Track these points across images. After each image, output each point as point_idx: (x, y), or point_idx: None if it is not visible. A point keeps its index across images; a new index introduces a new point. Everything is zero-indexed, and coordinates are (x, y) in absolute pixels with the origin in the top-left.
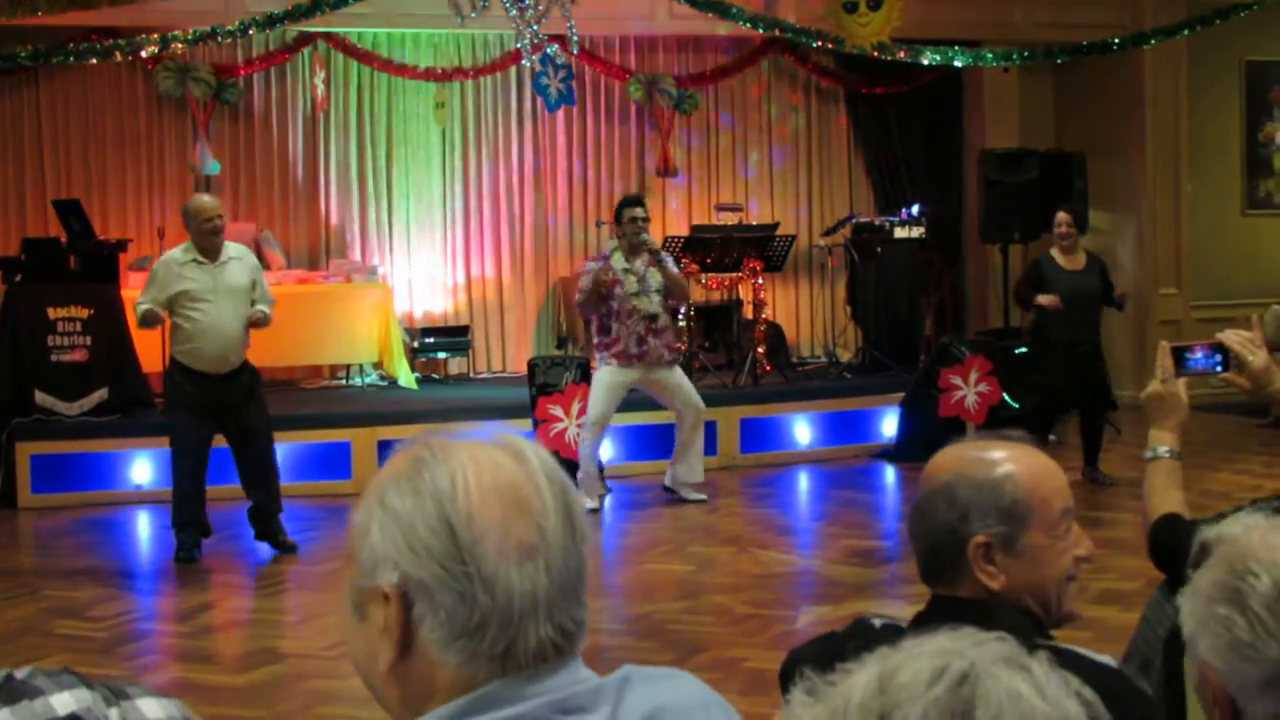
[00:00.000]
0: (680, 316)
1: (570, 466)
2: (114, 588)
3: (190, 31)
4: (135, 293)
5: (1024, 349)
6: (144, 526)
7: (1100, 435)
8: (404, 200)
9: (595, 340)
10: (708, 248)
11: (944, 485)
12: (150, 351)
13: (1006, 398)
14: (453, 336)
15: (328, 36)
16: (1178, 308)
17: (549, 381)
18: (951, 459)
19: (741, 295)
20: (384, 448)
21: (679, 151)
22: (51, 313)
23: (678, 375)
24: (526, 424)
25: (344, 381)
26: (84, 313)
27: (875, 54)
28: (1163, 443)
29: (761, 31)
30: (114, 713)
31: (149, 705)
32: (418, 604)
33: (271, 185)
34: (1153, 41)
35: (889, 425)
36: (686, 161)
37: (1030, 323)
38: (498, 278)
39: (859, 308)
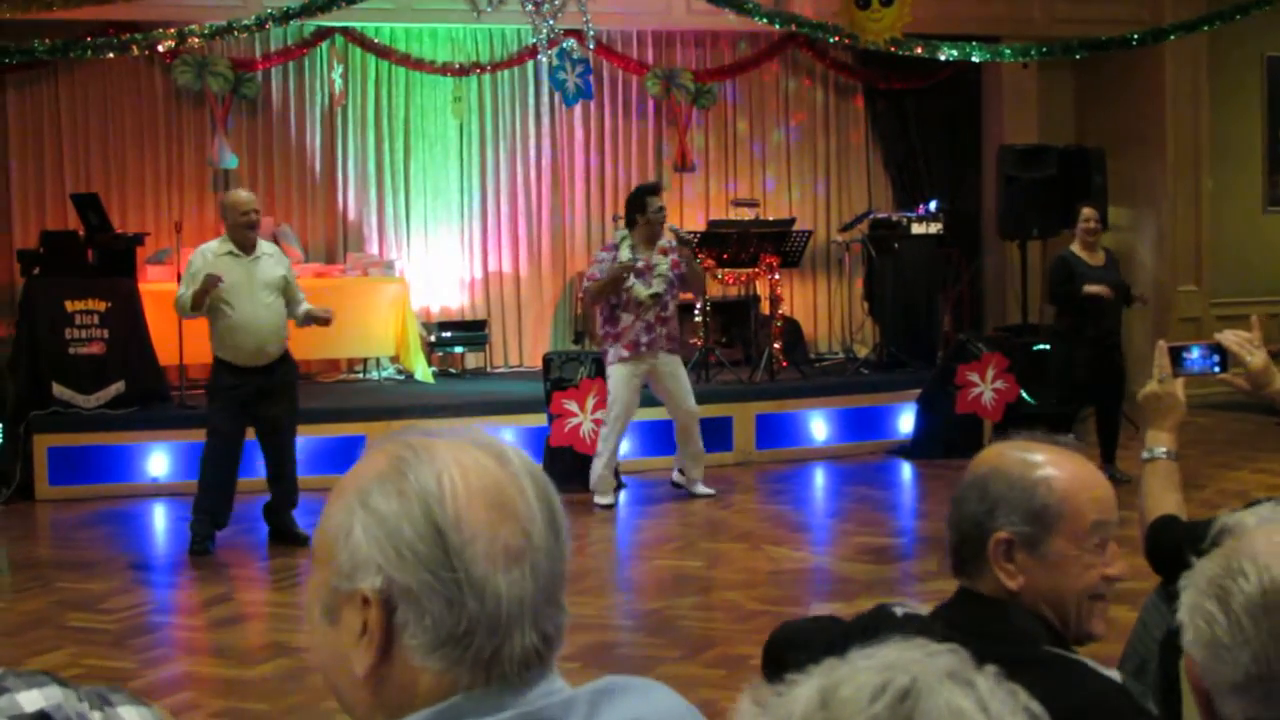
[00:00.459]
0: (696, 311)
1: (586, 462)
2: (128, 580)
3: (206, 26)
4: (153, 286)
5: (1045, 345)
6: (160, 519)
7: (1117, 431)
8: (421, 195)
9: (603, 331)
10: (724, 243)
11: (979, 478)
12: (167, 345)
13: (1024, 394)
14: (469, 331)
15: (345, 31)
16: (1197, 305)
17: (564, 376)
18: (994, 454)
19: (759, 291)
20: None
21: (696, 146)
22: (69, 306)
23: (675, 367)
24: (541, 419)
25: (361, 375)
26: (102, 306)
27: (893, 49)
28: (1160, 444)
29: (777, 27)
30: (96, 716)
31: (129, 713)
32: (401, 609)
33: (289, 179)
34: (1172, 37)
35: (906, 422)
36: (704, 156)
37: (1059, 318)
38: (515, 272)
39: (876, 304)
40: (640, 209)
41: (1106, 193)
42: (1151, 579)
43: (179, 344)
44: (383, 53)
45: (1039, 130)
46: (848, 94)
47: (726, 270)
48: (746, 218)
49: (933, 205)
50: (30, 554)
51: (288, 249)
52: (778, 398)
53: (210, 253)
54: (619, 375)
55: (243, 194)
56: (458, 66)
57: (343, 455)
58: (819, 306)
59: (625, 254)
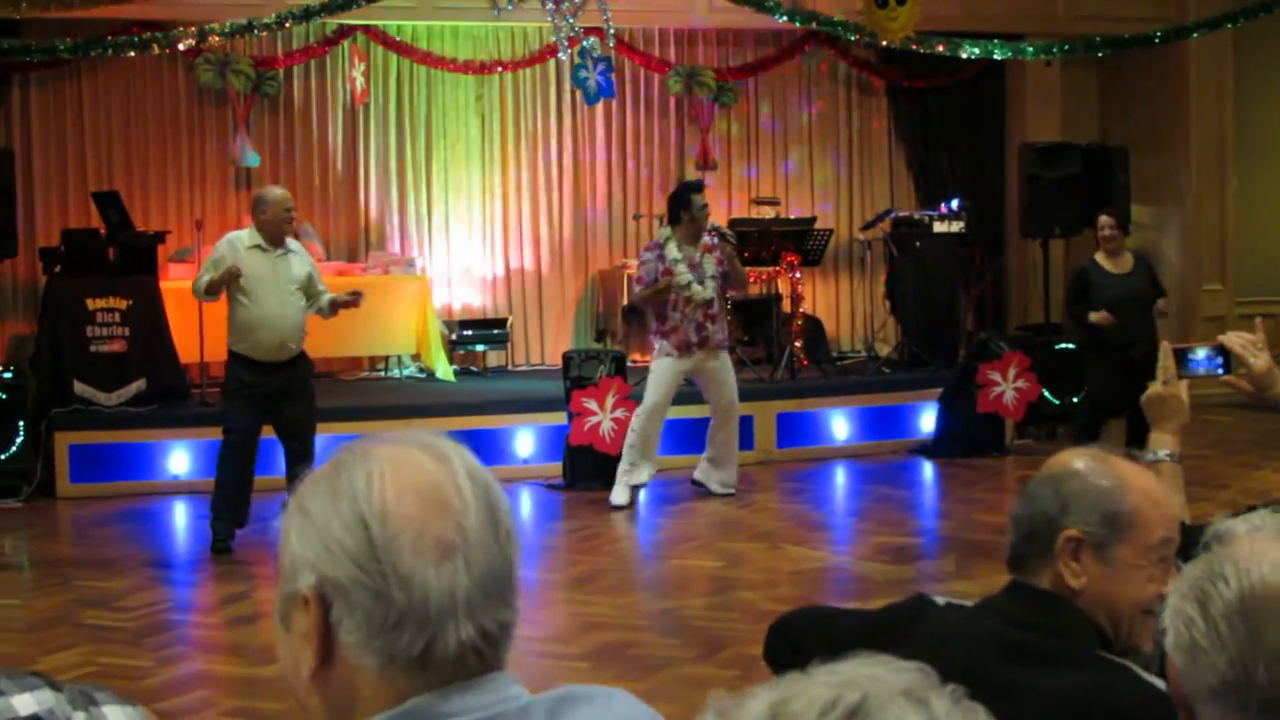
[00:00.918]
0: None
1: (605, 460)
2: (147, 578)
3: (227, 24)
4: (174, 284)
5: (1069, 345)
6: (180, 517)
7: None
8: (443, 193)
9: (654, 328)
10: (745, 241)
11: (1056, 476)
12: (188, 342)
13: (1046, 394)
14: (491, 329)
15: (367, 29)
16: (1222, 304)
17: (584, 375)
18: (1073, 455)
19: (780, 289)
20: None
21: (718, 144)
22: (90, 304)
23: (727, 365)
24: (561, 417)
25: (382, 373)
26: (123, 304)
27: (915, 47)
28: (1163, 446)
29: (798, 25)
30: (80, 716)
31: (114, 713)
32: (335, 605)
33: (311, 178)
34: (1195, 35)
35: (927, 421)
36: (725, 155)
37: (1083, 332)
38: (536, 270)
39: (898, 302)
40: (685, 206)
41: (1129, 191)
42: None
43: (200, 342)
44: (404, 51)
45: (1062, 128)
46: (870, 92)
47: (748, 269)
48: (767, 216)
49: (955, 204)
50: (50, 551)
51: (309, 247)
52: (798, 396)
53: (240, 243)
54: (662, 368)
55: (280, 190)
56: (479, 65)
57: None
58: (841, 305)
59: (672, 252)
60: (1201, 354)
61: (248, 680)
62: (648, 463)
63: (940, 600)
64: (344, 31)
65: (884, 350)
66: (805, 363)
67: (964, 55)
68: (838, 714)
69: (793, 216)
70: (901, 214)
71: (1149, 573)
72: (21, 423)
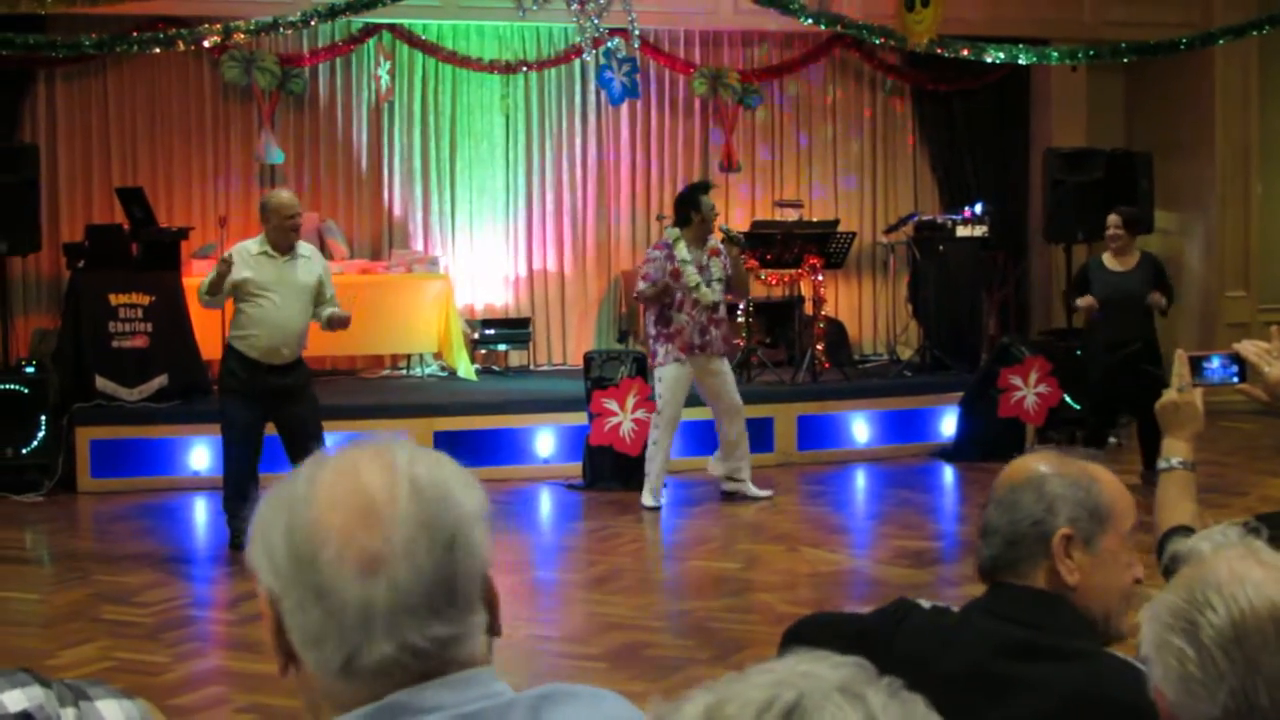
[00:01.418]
0: (740, 312)
1: (625, 461)
2: (165, 573)
3: (252, 22)
4: (197, 281)
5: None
6: (201, 512)
7: (1158, 438)
8: (466, 192)
9: (654, 331)
10: (768, 244)
11: (1033, 479)
12: (210, 339)
13: (1067, 399)
14: (513, 328)
15: (392, 28)
16: (1245, 310)
17: (604, 375)
18: (1039, 460)
19: (803, 292)
20: (440, 439)
21: (742, 146)
22: (113, 299)
23: (724, 371)
24: (582, 417)
25: (404, 372)
26: (145, 300)
27: (940, 51)
28: (1177, 454)
29: (823, 28)
30: (69, 713)
31: (109, 707)
32: (281, 610)
33: (335, 175)
34: (1221, 41)
35: (948, 424)
36: (750, 156)
37: (1085, 325)
38: (559, 270)
39: (920, 306)
40: (695, 207)
41: (1153, 197)
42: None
43: (222, 338)
44: (430, 49)
45: (1087, 133)
46: (895, 95)
47: (770, 271)
48: (790, 218)
49: (978, 208)
50: (69, 546)
51: (333, 245)
52: (819, 399)
53: (246, 252)
54: (671, 377)
55: (285, 195)
56: (504, 64)
57: None
58: (864, 308)
59: (681, 252)
60: (1216, 362)
61: (263, 676)
62: (663, 468)
63: (925, 604)
64: (369, 30)
65: (906, 353)
66: (827, 365)
67: (989, 60)
68: (774, 715)
69: (815, 219)
70: (925, 217)
71: (1126, 558)
72: (43, 417)
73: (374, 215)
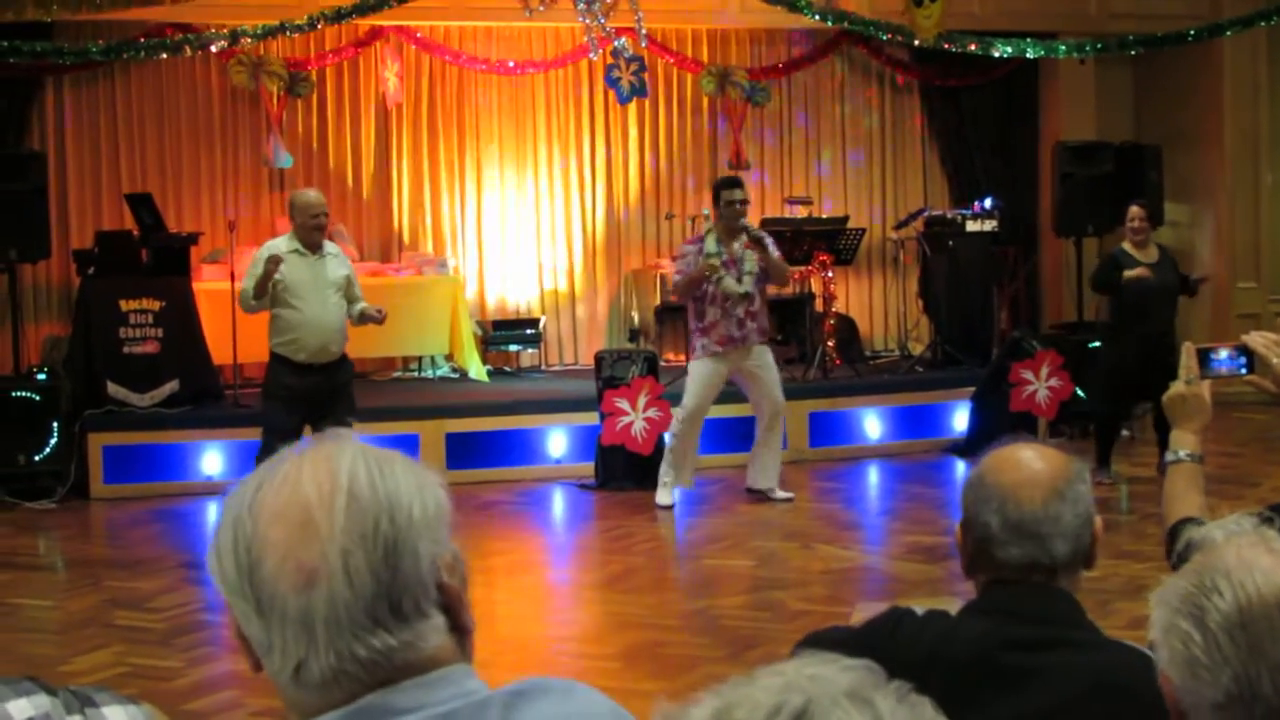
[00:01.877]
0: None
1: (637, 460)
2: (178, 579)
3: (259, 26)
4: (207, 286)
5: (1097, 344)
6: (213, 518)
7: None
8: (475, 193)
9: (693, 326)
10: (778, 241)
11: (1072, 470)
12: (221, 344)
13: (1079, 392)
14: (524, 329)
15: (399, 30)
16: (1256, 301)
17: (615, 375)
18: (1054, 456)
19: (813, 289)
20: (451, 440)
21: (751, 144)
22: (124, 305)
23: (768, 361)
24: (593, 417)
25: (416, 374)
26: (156, 305)
27: (947, 46)
28: (1184, 445)
29: (830, 25)
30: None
31: (115, 713)
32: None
33: (344, 178)
34: (1229, 33)
35: (960, 420)
36: (759, 154)
37: (1109, 313)
38: (569, 271)
39: (931, 301)
40: (716, 201)
41: (1162, 189)
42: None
43: (233, 343)
44: (437, 52)
45: (1096, 127)
46: (904, 91)
47: None
48: (800, 215)
49: (988, 202)
50: (82, 552)
51: (342, 248)
52: (831, 395)
53: (278, 250)
54: (701, 371)
55: (311, 194)
56: (512, 65)
57: None
58: (874, 304)
59: (709, 245)
60: (1224, 354)
61: None
62: (686, 467)
63: (919, 610)
64: (376, 33)
65: (917, 349)
66: (838, 362)
67: (997, 54)
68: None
69: (825, 216)
70: (935, 213)
71: None
72: (55, 424)
73: (383, 218)
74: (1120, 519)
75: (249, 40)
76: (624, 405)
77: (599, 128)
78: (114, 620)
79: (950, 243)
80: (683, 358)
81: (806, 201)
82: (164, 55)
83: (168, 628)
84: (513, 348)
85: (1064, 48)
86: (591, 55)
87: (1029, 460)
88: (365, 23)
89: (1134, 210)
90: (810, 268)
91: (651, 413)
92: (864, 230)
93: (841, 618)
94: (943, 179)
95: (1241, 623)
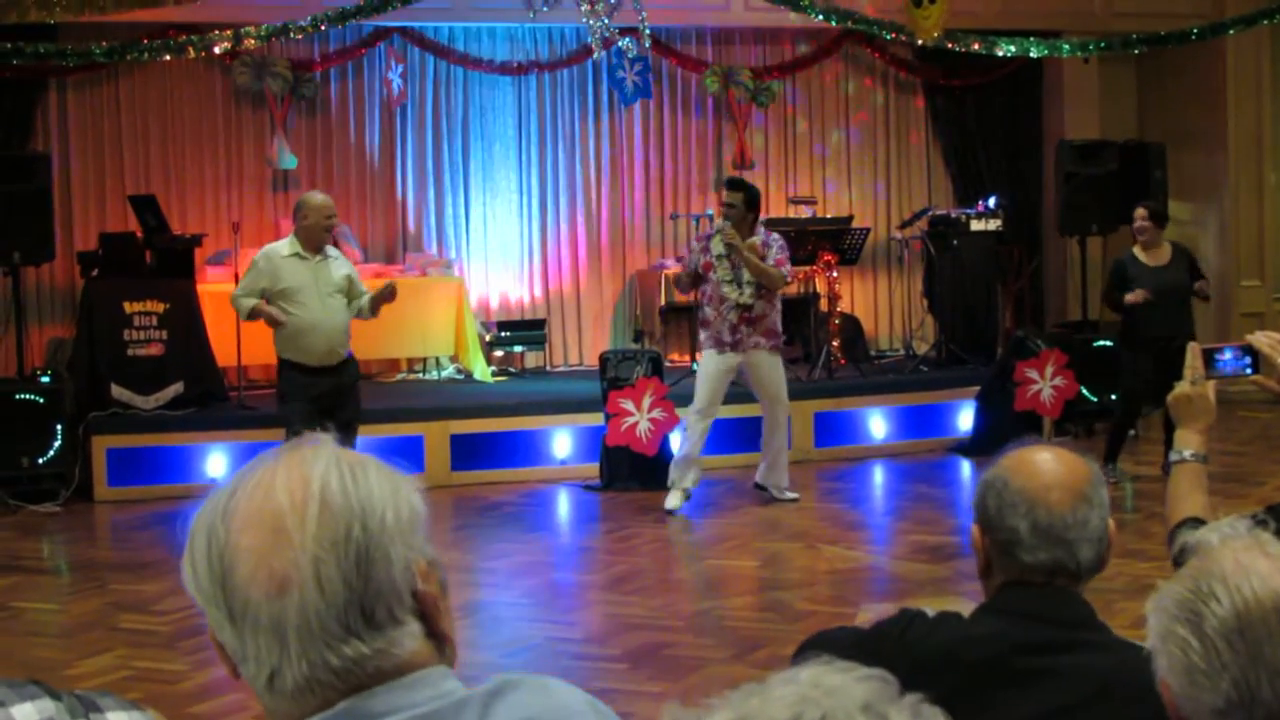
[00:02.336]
0: None
1: (642, 461)
2: (183, 582)
3: (262, 27)
4: (211, 287)
5: (1106, 342)
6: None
7: None
8: (480, 194)
9: (700, 317)
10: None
11: (1094, 473)
12: (226, 345)
13: (1084, 391)
14: (528, 330)
15: (404, 30)
16: (1260, 300)
17: (620, 375)
18: (1074, 460)
19: (818, 288)
20: (456, 441)
21: (755, 144)
22: (128, 307)
23: (771, 364)
24: (598, 418)
25: (420, 375)
26: (160, 307)
27: (950, 45)
28: (1188, 445)
29: (834, 24)
30: None
31: (119, 719)
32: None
33: (348, 179)
34: (1232, 31)
35: (965, 419)
36: (763, 153)
37: (1121, 323)
38: (574, 271)
39: (935, 301)
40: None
41: (1167, 188)
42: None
43: (237, 345)
44: (441, 52)
45: (1100, 125)
46: (907, 90)
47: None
48: (804, 215)
49: (992, 201)
50: (86, 555)
51: (347, 249)
52: (836, 395)
53: (277, 255)
54: (707, 365)
55: (321, 196)
56: (516, 65)
57: (401, 455)
58: (879, 304)
59: (717, 247)
60: (1229, 354)
61: None
62: (694, 467)
63: (930, 611)
64: (380, 33)
65: (922, 349)
66: (843, 361)
67: (1001, 53)
68: None
69: (830, 215)
70: (939, 212)
71: None
72: (59, 426)
73: (387, 219)
74: (1125, 518)
75: (253, 41)
76: (629, 406)
77: (603, 128)
78: (118, 623)
79: (954, 242)
80: (687, 358)
81: (811, 201)
82: (168, 56)
83: (172, 631)
84: (517, 348)
85: (1068, 47)
86: (596, 55)
87: (1052, 464)
88: (369, 23)
89: (1138, 211)
90: (815, 267)
91: (656, 414)
92: (868, 230)
93: (847, 618)
94: (947, 178)
95: (1239, 628)
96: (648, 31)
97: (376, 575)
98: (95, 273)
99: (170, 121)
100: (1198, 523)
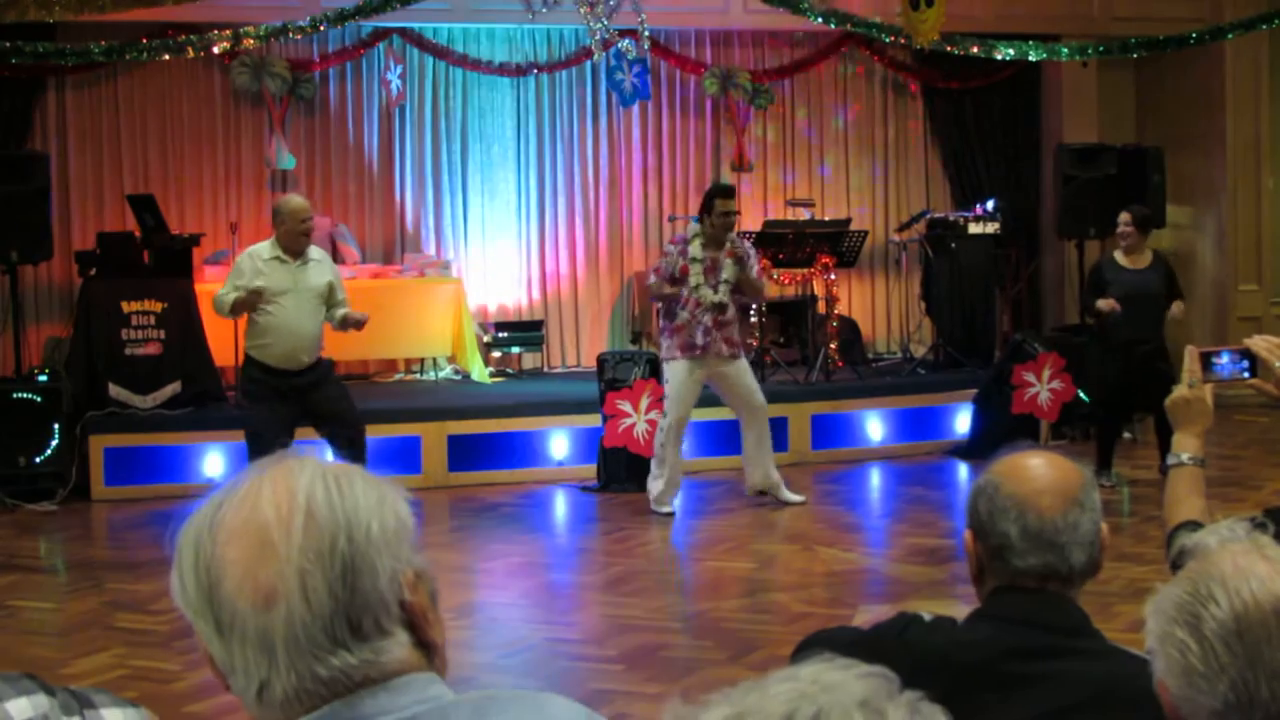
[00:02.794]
0: (753, 312)
1: (639, 462)
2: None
3: (261, 27)
4: (209, 287)
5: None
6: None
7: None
8: (478, 195)
9: (663, 324)
10: (780, 243)
11: (1086, 478)
12: (223, 345)
13: (1081, 394)
14: (526, 331)
15: (403, 31)
16: (1258, 304)
17: (617, 377)
18: (1065, 464)
19: (816, 291)
20: (454, 442)
21: (754, 146)
22: (125, 307)
23: (739, 370)
24: (595, 419)
25: (418, 375)
26: (158, 307)
27: (949, 49)
28: (1186, 449)
29: (833, 26)
30: None
31: (113, 715)
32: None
33: (346, 180)
34: (1230, 36)
35: (962, 422)
36: (761, 156)
37: (1095, 324)
38: (572, 272)
39: (933, 304)
40: (708, 209)
41: (1165, 192)
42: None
43: (235, 344)
44: (440, 53)
45: (1099, 129)
46: (906, 93)
47: (782, 270)
48: (803, 218)
49: (990, 205)
50: (83, 554)
51: (345, 249)
52: (833, 398)
53: (258, 257)
54: (677, 373)
55: (297, 200)
56: (515, 67)
57: (400, 456)
58: (876, 306)
59: (694, 251)
60: (1226, 357)
61: None
62: (673, 475)
63: (927, 615)
64: (379, 34)
65: (919, 351)
66: (840, 364)
67: (999, 56)
68: None
69: (828, 218)
70: (937, 215)
71: None
72: (56, 425)
73: (386, 219)
74: (1122, 522)
75: (252, 41)
76: (626, 407)
77: (601, 129)
78: (115, 623)
79: (952, 245)
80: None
81: (809, 204)
82: (166, 56)
83: (169, 630)
84: (515, 349)
85: (1066, 50)
86: (595, 57)
87: (1043, 468)
88: (368, 23)
89: (1122, 217)
90: (813, 270)
91: (653, 415)
92: (866, 232)
93: (843, 620)
94: (945, 181)
95: (1238, 630)
96: (647, 33)
97: (363, 586)
98: (93, 272)
99: (169, 121)
100: (1195, 526)
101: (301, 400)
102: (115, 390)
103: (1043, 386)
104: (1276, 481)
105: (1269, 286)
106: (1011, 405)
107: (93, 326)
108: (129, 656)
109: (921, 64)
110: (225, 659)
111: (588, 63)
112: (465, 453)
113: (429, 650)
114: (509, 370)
